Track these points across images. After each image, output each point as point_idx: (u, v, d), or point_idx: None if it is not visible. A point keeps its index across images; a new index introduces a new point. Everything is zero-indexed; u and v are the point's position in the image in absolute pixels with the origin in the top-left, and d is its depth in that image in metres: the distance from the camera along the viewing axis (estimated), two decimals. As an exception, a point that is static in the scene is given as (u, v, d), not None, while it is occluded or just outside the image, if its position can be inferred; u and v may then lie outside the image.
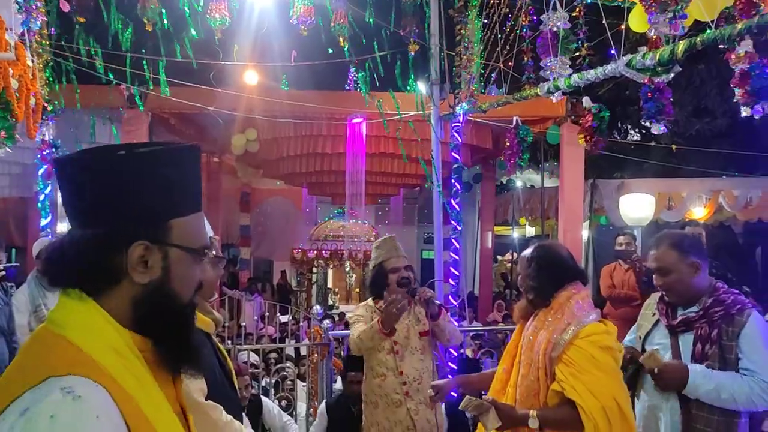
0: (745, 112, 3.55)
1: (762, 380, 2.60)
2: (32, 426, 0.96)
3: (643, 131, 13.10)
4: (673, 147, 9.74)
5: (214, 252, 2.15)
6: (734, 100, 3.52)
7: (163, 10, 5.14)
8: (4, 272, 3.56)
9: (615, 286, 6.30)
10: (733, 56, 3.62)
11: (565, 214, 8.53)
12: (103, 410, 1.01)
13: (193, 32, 5.10)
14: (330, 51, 5.79)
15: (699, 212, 10.58)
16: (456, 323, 3.97)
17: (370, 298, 4.00)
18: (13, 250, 8.71)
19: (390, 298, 3.62)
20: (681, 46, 3.25)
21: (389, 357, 3.76)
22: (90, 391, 1.01)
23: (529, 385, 2.54)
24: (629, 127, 12.89)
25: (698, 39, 3.19)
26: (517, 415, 2.46)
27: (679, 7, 3.06)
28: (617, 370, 2.53)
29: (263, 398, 5.03)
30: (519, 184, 15.08)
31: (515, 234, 16.44)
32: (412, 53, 5.64)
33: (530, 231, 15.31)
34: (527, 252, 2.76)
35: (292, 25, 5.28)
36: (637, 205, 8.61)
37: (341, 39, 5.37)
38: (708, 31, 3.20)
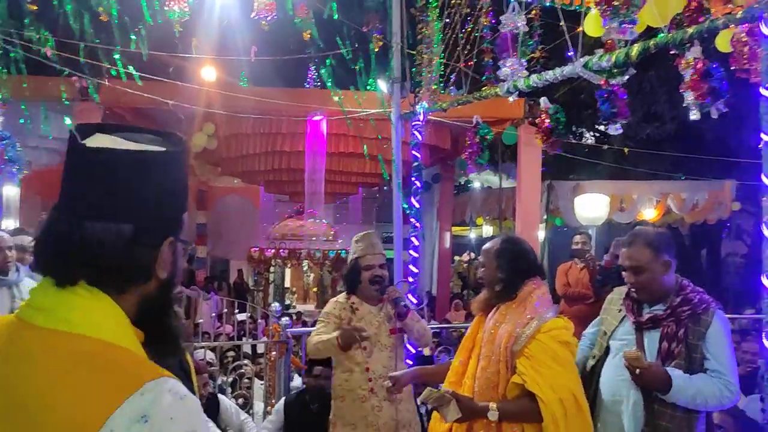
0: (694, 115, 3.67)
1: (728, 381, 2.67)
2: (158, 430, 0.97)
3: (598, 134, 13.43)
4: (625, 150, 10.01)
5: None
6: (684, 104, 3.64)
7: (114, 2, 5.02)
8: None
9: (570, 284, 6.44)
10: (682, 62, 3.74)
11: (522, 214, 8.67)
12: (200, 407, 1.05)
13: (149, 21, 4.99)
14: (291, 47, 5.74)
15: (649, 214, 10.90)
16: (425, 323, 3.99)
17: (343, 293, 4.01)
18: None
19: (353, 328, 3.62)
20: (635, 49, 3.35)
21: (357, 353, 3.77)
22: (186, 390, 1.03)
23: (488, 377, 2.58)
24: (584, 130, 13.19)
25: (652, 42, 3.29)
26: (476, 407, 2.50)
27: (630, 12, 3.15)
28: (574, 365, 2.62)
29: (220, 396, 4.98)
30: (477, 185, 15.27)
31: (473, 234, 16.64)
32: (376, 50, 5.63)
33: (487, 231, 15.50)
34: (493, 244, 2.79)
35: (254, 20, 5.23)
36: (591, 206, 8.84)
37: (306, 33, 5.33)
38: (660, 35, 3.30)
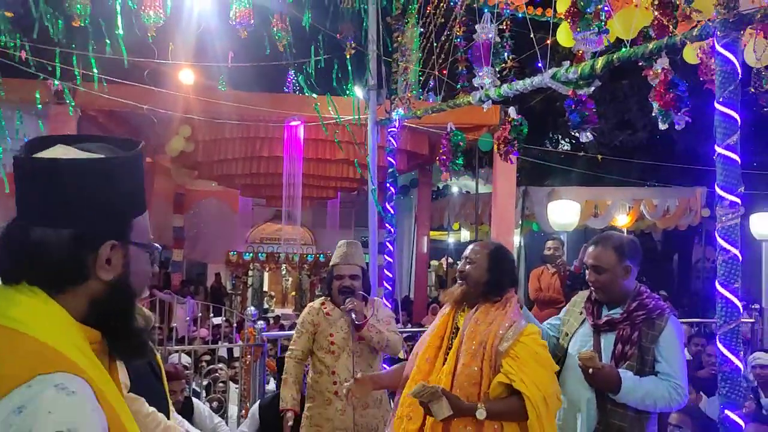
0: (662, 125, 3.80)
1: (677, 384, 2.80)
2: (31, 423, 0.99)
3: (573, 141, 13.64)
4: (599, 157, 10.19)
5: None
6: (653, 114, 3.76)
7: (88, 7, 5.02)
8: None
9: (542, 289, 6.55)
10: (651, 73, 3.86)
11: (497, 219, 8.79)
12: (94, 404, 1.06)
13: (120, 29, 5.00)
14: (268, 53, 5.78)
15: (623, 220, 11.09)
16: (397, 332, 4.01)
17: (320, 298, 4.10)
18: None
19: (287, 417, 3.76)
20: (600, 62, 3.46)
21: (327, 356, 3.85)
22: (81, 387, 1.05)
23: (470, 374, 2.62)
24: (560, 137, 13.39)
25: (615, 56, 3.40)
26: (464, 406, 2.55)
27: (598, 24, 3.26)
28: (553, 366, 2.76)
29: (194, 400, 4.99)
30: (455, 189, 15.40)
31: (451, 239, 16.76)
32: (348, 57, 5.70)
33: (465, 236, 15.64)
34: (488, 245, 2.89)
35: (231, 25, 5.27)
36: (563, 212, 8.99)
37: (280, 44, 5.39)
38: (623, 49, 3.42)
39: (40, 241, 1.15)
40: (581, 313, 3.11)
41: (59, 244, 1.15)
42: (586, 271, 3.09)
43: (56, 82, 6.25)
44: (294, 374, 3.93)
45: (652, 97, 3.64)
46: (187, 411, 4.79)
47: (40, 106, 6.71)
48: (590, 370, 2.78)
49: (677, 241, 13.56)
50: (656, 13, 3.41)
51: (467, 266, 2.83)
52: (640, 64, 3.94)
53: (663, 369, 2.82)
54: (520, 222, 10.86)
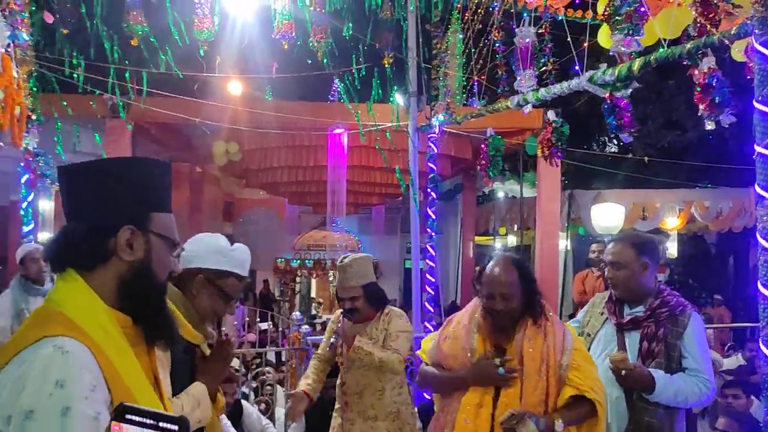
0: (709, 125, 3.75)
1: (705, 379, 2.84)
2: (28, 374, 1.20)
3: (620, 143, 13.39)
4: (646, 159, 10.00)
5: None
6: (699, 114, 3.71)
7: (146, 26, 5.26)
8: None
9: (586, 292, 6.49)
10: (696, 72, 3.81)
11: (542, 224, 8.73)
12: (86, 364, 1.24)
13: (176, 44, 5.22)
14: (309, 62, 5.93)
15: (672, 222, 10.83)
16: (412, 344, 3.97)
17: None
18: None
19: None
20: (637, 63, 3.44)
21: (340, 365, 3.92)
22: (76, 348, 1.25)
23: (538, 393, 2.55)
24: (606, 139, 13.17)
25: (652, 57, 3.38)
26: (546, 422, 2.50)
27: (632, 25, 3.25)
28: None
29: (243, 402, 5.13)
30: (501, 194, 15.29)
31: (497, 244, 16.64)
32: (387, 66, 5.79)
33: (511, 240, 15.51)
34: (507, 271, 2.63)
35: (274, 38, 5.43)
36: (607, 215, 8.84)
37: (319, 54, 5.53)
38: (661, 49, 3.39)
39: (70, 231, 1.41)
40: (602, 314, 3.14)
41: (83, 231, 1.40)
42: (606, 269, 3.11)
43: (118, 99, 6.52)
44: (313, 368, 3.98)
45: (697, 97, 3.61)
46: (236, 413, 4.94)
47: (100, 116, 6.99)
48: (622, 372, 2.79)
49: (732, 244, 13.13)
50: (695, 12, 3.37)
51: (502, 303, 2.61)
52: (685, 63, 3.90)
53: (690, 365, 2.86)
54: (566, 226, 10.73)
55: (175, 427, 1.05)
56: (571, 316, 9.18)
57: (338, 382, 3.94)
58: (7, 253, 8.91)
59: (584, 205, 10.04)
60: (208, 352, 2.40)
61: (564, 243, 11.10)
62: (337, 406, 3.96)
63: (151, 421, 1.06)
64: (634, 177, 11.31)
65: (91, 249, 1.39)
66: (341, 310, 3.94)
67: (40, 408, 1.17)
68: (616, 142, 13.19)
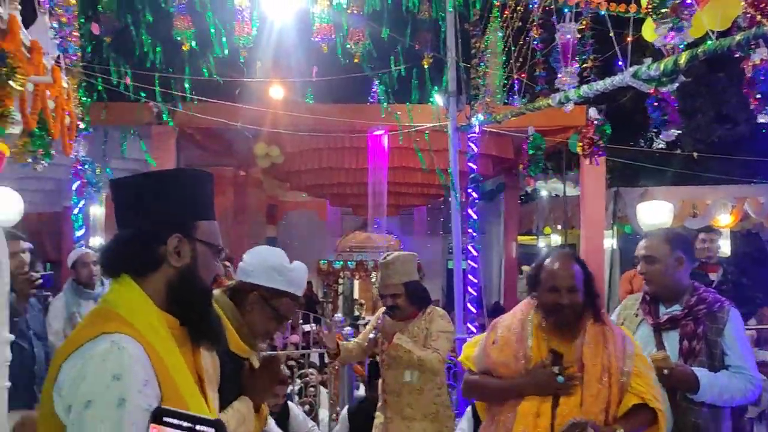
0: (762, 118, 3.62)
1: (751, 375, 2.77)
2: (88, 367, 1.33)
3: (668, 140, 13.04)
4: (694, 154, 9.71)
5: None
6: (751, 107, 3.59)
7: (193, 30, 5.38)
8: (40, 280, 3.79)
9: (633, 292, 6.31)
10: (748, 64, 3.68)
11: (586, 222, 8.57)
12: (139, 360, 1.35)
13: (218, 50, 5.33)
14: (345, 63, 5.95)
15: (725, 219, 10.47)
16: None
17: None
18: (48, 264, 9.00)
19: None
20: (684, 57, 3.34)
21: (381, 363, 3.92)
22: (131, 345, 1.36)
23: (599, 401, 2.42)
24: (653, 135, 12.84)
25: (700, 50, 3.28)
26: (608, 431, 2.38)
27: (677, 19, 3.16)
28: None
29: (290, 404, 5.19)
30: (544, 193, 15.08)
31: (541, 243, 16.41)
32: (426, 66, 5.77)
33: (556, 240, 15.26)
34: (573, 265, 2.53)
35: (312, 41, 5.48)
36: (654, 212, 8.59)
37: (356, 56, 5.55)
38: (708, 41, 3.29)
39: (122, 240, 1.54)
40: (637, 315, 3.05)
41: (134, 239, 1.52)
42: (638, 266, 3.03)
43: (162, 106, 6.68)
44: (352, 343, 4.09)
45: (746, 90, 3.49)
46: (283, 415, 5.01)
47: (144, 123, 7.16)
48: (665, 371, 2.71)
49: (789, 241, 12.66)
50: (744, 3, 3.25)
51: (568, 297, 2.48)
52: (737, 55, 3.76)
53: (733, 362, 2.78)
54: (612, 224, 10.50)
55: (212, 430, 1.07)
56: (618, 316, 8.99)
57: (381, 380, 3.95)
58: (60, 257, 9.20)
59: (631, 203, 9.79)
60: (257, 364, 2.41)
61: (610, 242, 10.86)
62: (379, 404, 3.97)
63: (188, 424, 1.08)
64: (683, 173, 10.98)
65: (143, 257, 1.51)
66: (384, 307, 3.97)
67: (98, 398, 1.28)
68: (663, 139, 12.85)
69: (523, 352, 2.52)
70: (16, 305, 3.60)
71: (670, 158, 11.42)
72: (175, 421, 1.11)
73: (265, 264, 2.35)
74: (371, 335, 4.03)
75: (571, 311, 2.48)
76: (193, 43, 5.56)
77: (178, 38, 5.49)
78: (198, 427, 1.09)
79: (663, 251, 2.92)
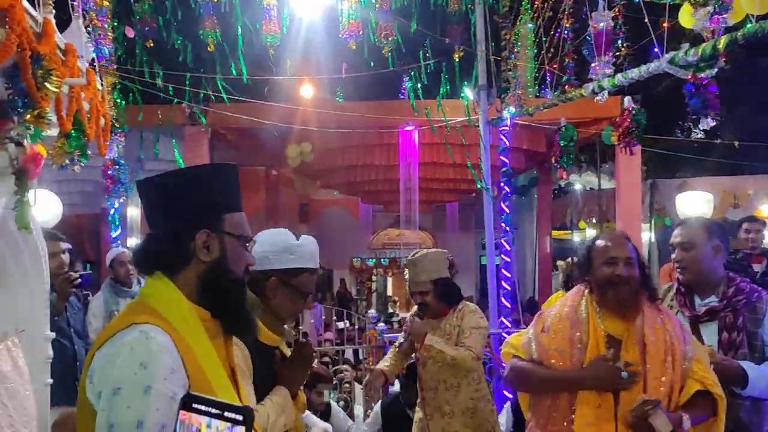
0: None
1: None
2: (118, 355, 1.38)
3: (707, 128, 12.72)
4: (735, 143, 9.45)
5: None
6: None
7: (218, 32, 5.43)
8: (79, 280, 3.87)
9: (673, 285, 6.18)
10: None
11: (622, 215, 8.42)
12: (167, 349, 1.39)
13: (246, 49, 5.36)
14: (374, 60, 5.93)
15: None
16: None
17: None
18: (88, 265, 9.21)
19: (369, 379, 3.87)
20: (722, 41, 3.24)
21: (418, 363, 3.89)
22: (159, 335, 1.41)
23: (664, 390, 2.33)
24: (691, 125, 12.55)
25: (739, 33, 3.18)
26: (674, 418, 2.28)
27: (719, 2, 3.06)
28: None
29: (332, 402, 5.23)
30: (578, 186, 14.87)
31: (575, 238, 16.19)
32: (457, 59, 5.71)
33: (590, 234, 15.05)
34: (626, 239, 2.49)
35: (340, 38, 5.47)
36: (693, 203, 8.38)
37: (385, 50, 5.53)
38: (749, 25, 3.19)
39: (155, 238, 1.58)
40: (671, 307, 2.90)
41: (164, 238, 1.56)
42: (672, 255, 2.92)
43: (195, 107, 6.76)
44: (390, 355, 4.04)
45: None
46: (325, 412, 5.06)
47: (175, 124, 7.24)
48: (711, 366, 2.62)
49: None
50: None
51: (626, 269, 2.39)
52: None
53: None
54: (649, 217, 10.30)
55: (240, 417, 1.07)
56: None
57: (419, 377, 3.94)
58: (100, 257, 9.40)
59: (668, 194, 9.59)
60: (287, 351, 2.41)
61: (647, 235, 10.66)
62: (418, 400, 3.96)
63: (217, 411, 1.09)
64: (724, 163, 10.71)
65: (174, 255, 1.55)
66: (415, 302, 3.95)
67: (126, 385, 1.33)
68: (702, 128, 12.55)
69: (579, 336, 2.40)
70: (56, 304, 3.68)
71: (709, 148, 11.14)
72: (204, 408, 1.12)
73: (274, 248, 2.34)
74: (401, 340, 4.02)
75: (628, 285, 2.38)
76: (216, 48, 5.60)
77: (205, 39, 5.54)
78: (227, 414, 1.09)
79: (700, 238, 2.82)
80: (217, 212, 1.59)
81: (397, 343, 4.08)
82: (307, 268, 2.37)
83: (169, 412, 1.32)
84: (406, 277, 12.94)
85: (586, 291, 2.52)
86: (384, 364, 3.99)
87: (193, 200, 1.57)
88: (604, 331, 2.40)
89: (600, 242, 2.50)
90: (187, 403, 1.16)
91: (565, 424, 2.36)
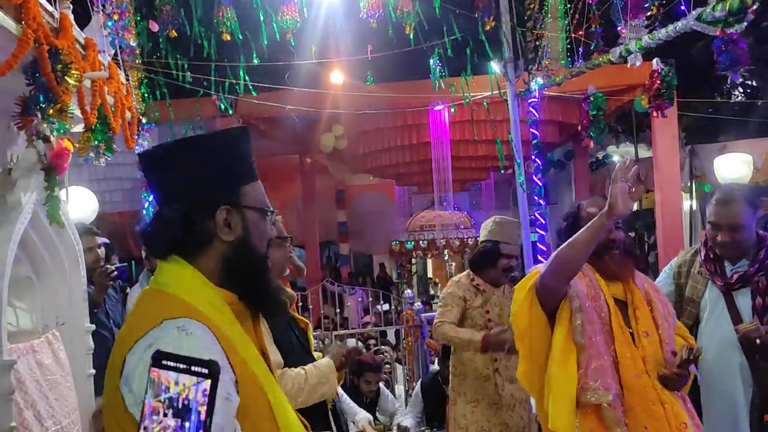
0: None
1: None
2: None
3: (748, 89, 12.28)
4: (777, 102, 9.10)
5: (277, 233, 2.34)
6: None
7: (235, 23, 5.44)
8: (115, 273, 3.97)
9: (716, 251, 6.02)
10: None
11: (660, 184, 8.23)
12: (209, 344, 1.26)
13: (267, 36, 5.36)
14: (398, 39, 5.85)
15: (814, 172, 9.80)
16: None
17: (465, 273, 4.05)
18: (132, 262, 9.42)
19: (500, 335, 3.60)
20: (751, -7, 3.11)
21: (482, 332, 3.86)
22: (198, 329, 1.27)
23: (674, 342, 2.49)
24: (730, 87, 12.12)
25: (769, -17, 3.04)
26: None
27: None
28: None
29: (381, 386, 5.29)
30: (616, 158, 14.55)
31: (616, 210, 15.85)
32: (489, 27, 5.57)
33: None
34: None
35: (360, 19, 5.43)
36: (731, 165, 8.09)
37: (408, 29, 5.45)
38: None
39: (167, 218, 1.40)
40: (701, 274, 2.84)
41: (180, 216, 1.39)
42: (712, 232, 2.80)
43: (222, 97, 6.80)
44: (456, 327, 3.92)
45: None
46: (374, 395, 5.14)
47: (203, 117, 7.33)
48: (757, 340, 2.54)
49: None
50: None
51: (616, 232, 2.50)
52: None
53: None
54: (689, 185, 10.02)
55: (206, 371, 1.06)
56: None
57: (466, 352, 3.91)
58: (141, 253, 9.61)
59: (709, 160, 9.30)
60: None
61: (688, 203, 10.37)
62: (461, 380, 3.95)
63: (184, 366, 1.07)
64: (766, 124, 10.32)
65: (192, 236, 1.39)
66: (464, 273, 4.03)
67: None
68: (741, 90, 12.11)
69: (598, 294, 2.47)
70: (95, 297, 3.78)
71: (750, 110, 10.75)
72: (172, 363, 1.08)
73: None
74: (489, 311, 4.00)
75: (620, 249, 2.49)
76: (238, 33, 5.59)
77: (221, 28, 5.53)
78: (193, 368, 1.07)
79: (748, 216, 2.72)
80: (236, 184, 1.44)
81: (451, 319, 4.06)
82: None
83: (226, 414, 1.19)
84: (446, 258, 12.86)
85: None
86: (468, 331, 3.85)
87: (208, 173, 1.40)
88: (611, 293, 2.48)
89: (588, 209, 2.53)
90: (157, 359, 1.11)
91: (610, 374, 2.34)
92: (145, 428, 1.05)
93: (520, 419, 3.80)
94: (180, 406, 1.03)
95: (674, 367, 2.32)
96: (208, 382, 1.04)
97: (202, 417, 1.03)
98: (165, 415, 1.04)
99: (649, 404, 2.27)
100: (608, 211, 2.20)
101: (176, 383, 1.04)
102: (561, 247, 2.38)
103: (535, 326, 2.43)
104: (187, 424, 1.03)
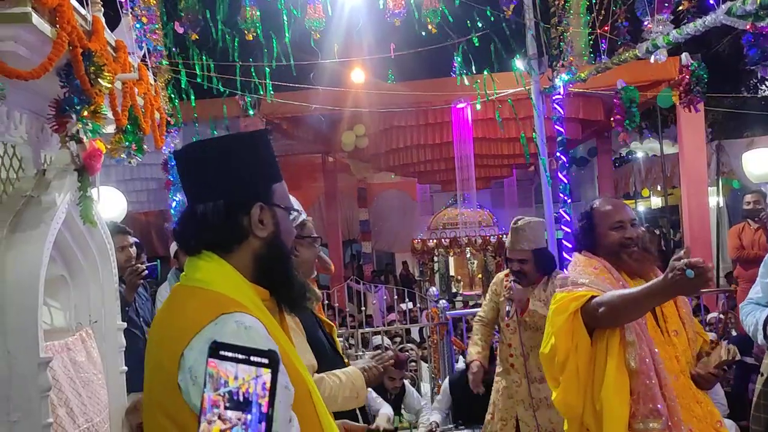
0: None
1: None
2: None
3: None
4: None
5: (311, 234, 2.36)
6: None
7: (258, 22, 5.47)
8: (146, 271, 4.01)
9: (744, 246, 5.96)
10: None
11: (687, 181, 8.12)
12: (266, 336, 1.29)
13: (291, 36, 5.39)
14: (422, 35, 5.84)
15: None
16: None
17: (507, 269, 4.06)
18: (158, 261, 9.54)
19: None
20: (783, -15, 3.05)
21: (505, 327, 3.93)
22: (254, 323, 1.29)
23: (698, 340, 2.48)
24: (757, 81, 11.92)
25: (801, -25, 2.99)
26: None
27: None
28: None
29: (406, 383, 5.30)
30: (640, 154, 14.41)
31: (640, 207, 15.71)
32: (509, 21, 5.54)
33: (656, 202, 14.57)
34: (630, 210, 2.58)
35: (383, 17, 5.43)
36: (760, 161, 7.95)
37: (430, 25, 5.44)
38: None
39: (203, 214, 1.41)
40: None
41: (217, 213, 1.41)
42: None
43: (247, 97, 6.86)
44: (479, 333, 4.04)
45: None
46: (399, 392, 5.15)
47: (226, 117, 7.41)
48: None
49: None
50: None
51: (632, 230, 2.47)
52: None
53: None
54: (716, 180, 9.87)
55: (266, 360, 1.06)
56: (728, 275, 8.41)
57: (501, 345, 3.96)
58: (168, 253, 9.72)
59: (736, 155, 9.15)
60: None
61: (715, 199, 10.23)
62: (499, 369, 3.99)
63: (244, 356, 1.07)
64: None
65: (228, 232, 1.40)
66: (505, 271, 4.01)
67: None
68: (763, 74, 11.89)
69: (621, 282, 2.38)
70: (126, 296, 3.83)
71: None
72: (231, 354, 1.09)
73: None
74: (481, 314, 4.08)
75: (638, 246, 2.42)
76: (261, 32, 5.62)
77: (244, 29, 5.55)
78: (252, 358, 1.07)
79: None
80: (268, 182, 1.47)
81: (482, 313, 4.11)
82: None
83: (287, 403, 1.23)
84: (468, 256, 12.79)
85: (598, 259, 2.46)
86: (476, 350, 3.98)
87: (244, 171, 1.43)
88: None
89: (602, 209, 2.49)
90: (215, 350, 1.11)
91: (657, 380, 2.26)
92: (207, 421, 1.05)
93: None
94: (240, 399, 1.04)
95: (710, 367, 2.27)
96: (268, 373, 1.05)
97: (264, 409, 1.03)
98: (226, 408, 1.05)
99: (690, 404, 2.25)
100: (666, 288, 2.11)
101: (235, 378, 1.05)
102: (624, 296, 2.24)
103: (581, 349, 2.33)
104: (248, 417, 1.03)
